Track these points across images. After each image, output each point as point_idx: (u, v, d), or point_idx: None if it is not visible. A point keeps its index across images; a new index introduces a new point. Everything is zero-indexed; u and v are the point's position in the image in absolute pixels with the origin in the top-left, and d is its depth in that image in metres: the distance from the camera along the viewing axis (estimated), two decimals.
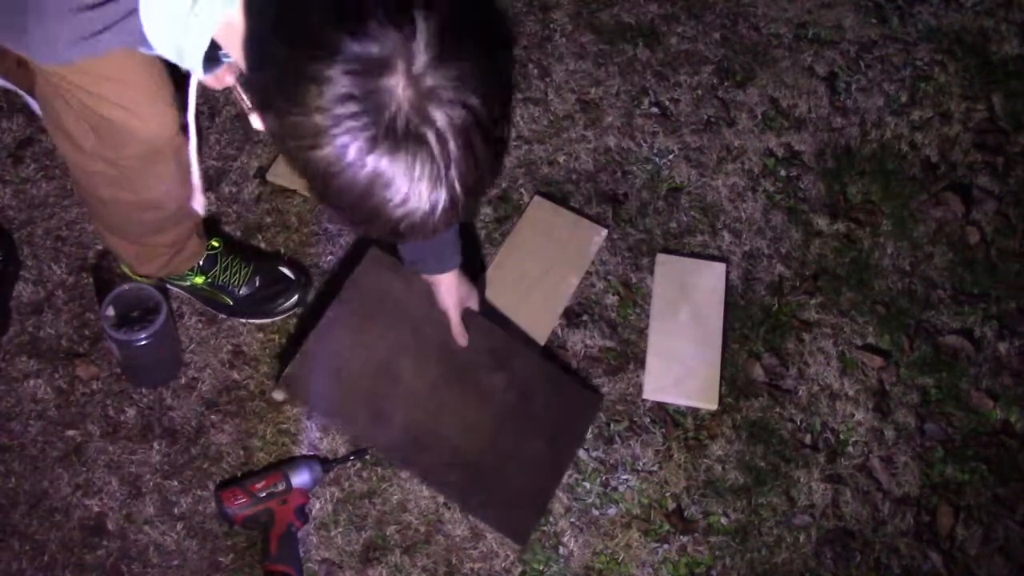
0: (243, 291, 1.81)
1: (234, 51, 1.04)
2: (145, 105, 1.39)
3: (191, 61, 1.09)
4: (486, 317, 1.80)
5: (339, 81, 0.84)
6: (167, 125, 1.42)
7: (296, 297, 1.84)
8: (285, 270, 1.85)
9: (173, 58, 1.13)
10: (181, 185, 1.45)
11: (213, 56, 1.12)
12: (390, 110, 0.85)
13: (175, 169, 1.47)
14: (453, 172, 0.89)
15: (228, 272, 1.80)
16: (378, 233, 0.95)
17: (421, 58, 0.85)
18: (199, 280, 1.79)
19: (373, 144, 0.86)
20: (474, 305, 1.77)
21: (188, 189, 1.41)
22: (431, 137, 0.87)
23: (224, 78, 1.30)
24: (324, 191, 0.91)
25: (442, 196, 0.90)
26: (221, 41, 1.07)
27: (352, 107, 0.85)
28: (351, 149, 0.86)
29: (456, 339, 1.74)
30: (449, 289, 1.71)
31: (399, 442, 1.66)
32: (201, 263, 1.78)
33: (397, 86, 0.85)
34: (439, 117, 0.87)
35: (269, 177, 1.98)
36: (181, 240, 1.72)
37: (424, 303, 1.74)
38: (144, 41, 1.09)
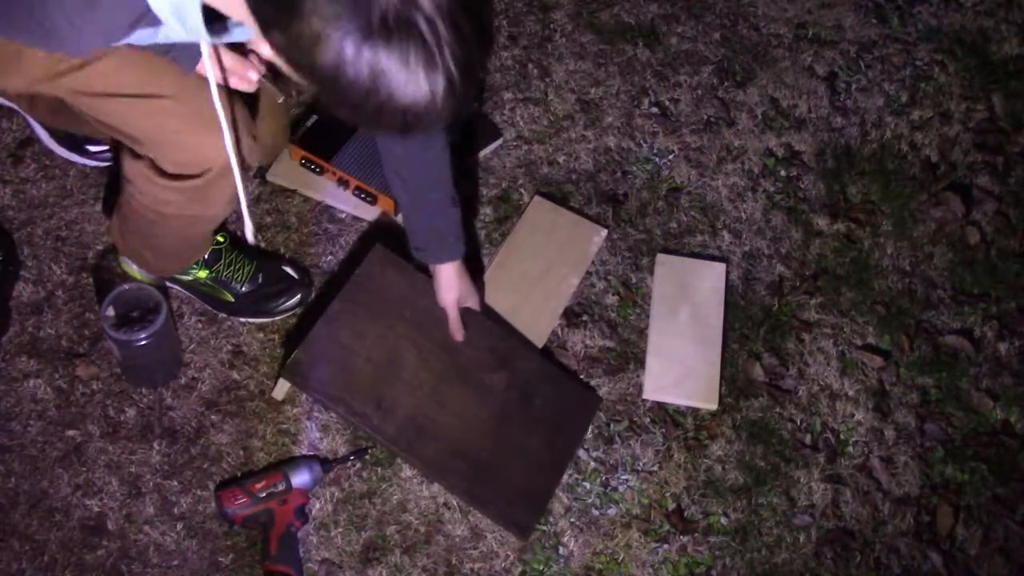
0: (245, 288, 1.81)
1: (232, 6, 1.08)
2: (202, 127, 1.41)
3: (193, 19, 1.10)
4: (486, 317, 1.81)
5: None
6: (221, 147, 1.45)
7: (298, 297, 1.84)
8: (288, 269, 1.85)
9: (175, 24, 1.14)
10: (234, 198, 1.52)
11: (219, 28, 1.16)
12: (377, 2, 0.91)
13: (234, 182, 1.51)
14: (447, 53, 0.95)
15: (232, 268, 1.80)
16: (391, 128, 1.01)
17: None
18: (202, 274, 1.79)
19: (367, 37, 0.92)
20: (475, 305, 1.77)
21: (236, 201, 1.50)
22: (420, 21, 0.93)
23: (249, 75, 1.36)
24: (335, 95, 0.97)
25: (440, 80, 0.96)
26: (217, 4, 1.10)
27: (342, 5, 0.91)
28: (348, 46, 0.92)
29: (452, 334, 1.74)
30: (450, 281, 1.72)
31: (402, 432, 1.66)
32: (206, 257, 1.78)
33: None
34: (424, 1, 0.93)
35: (269, 177, 1.98)
36: (207, 244, 1.76)
37: (427, 301, 1.74)
38: (147, 15, 1.12)
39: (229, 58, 1.37)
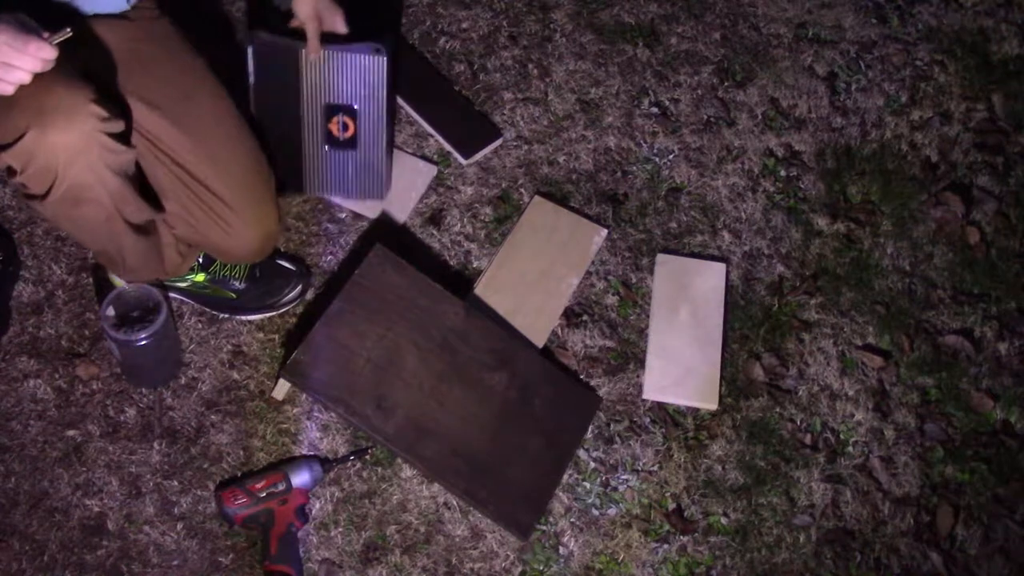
0: (244, 284, 1.81)
1: None
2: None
3: None
4: (486, 317, 1.81)
5: None
6: None
7: (299, 288, 1.84)
8: (284, 263, 1.85)
9: None
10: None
11: None
12: None
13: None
14: None
15: (228, 266, 1.80)
16: None
17: None
18: (200, 278, 1.79)
19: None
20: (338, 26, 1.75)
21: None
22: None
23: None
24: None
25: None
26: None
27: None
28: None
29: (310, 51, 1.73)
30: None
31: (402, 432, 1.66)
32: (200, 260, 1.78)
33: None
34: None
35: None
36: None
37: (427, 301, 1.75)
38: None
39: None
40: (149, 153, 1.56)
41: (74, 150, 1.32)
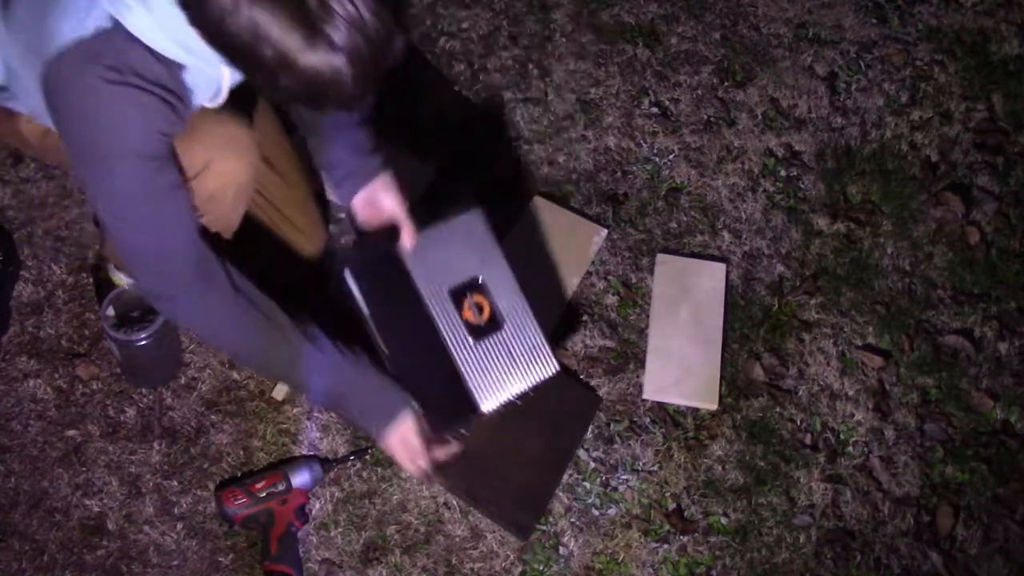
0: None
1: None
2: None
3: (209, 54, 1.12)
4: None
5: None
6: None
7: None
8: None
9: (189, 59, 1.18)
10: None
11: None
12: None
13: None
14: (331, 15, 1.00)
15: None
16: (299, 96, 1.07)
17: None
18: None
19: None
20: (398, 208, 1.56)
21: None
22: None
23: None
24: (229, 54, 1.06)
25: (323, 42, 1.02)
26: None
27: None
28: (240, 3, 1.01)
29: (407, 243, 1.54)
30: (391, 187, 1.58)
31: None
32: None
33: None
34: None
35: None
36: None
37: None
38: (155, 61, 1.17)
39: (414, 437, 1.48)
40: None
41: (240, 180, 1.43)
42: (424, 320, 1.54)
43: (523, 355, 1.60)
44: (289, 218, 1.70)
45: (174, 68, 1.21)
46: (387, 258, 1.54)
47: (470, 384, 1.55)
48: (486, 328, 1.57)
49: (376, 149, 1.55)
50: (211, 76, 1.27)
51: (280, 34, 1.01)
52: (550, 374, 1.62)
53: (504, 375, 1.58)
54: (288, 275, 1.75)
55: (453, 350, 1.55)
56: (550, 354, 1.62)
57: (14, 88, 1.36)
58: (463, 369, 1.55)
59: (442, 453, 1.53)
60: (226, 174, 1.39)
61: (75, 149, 1.22)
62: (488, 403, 1.56)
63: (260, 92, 1.13)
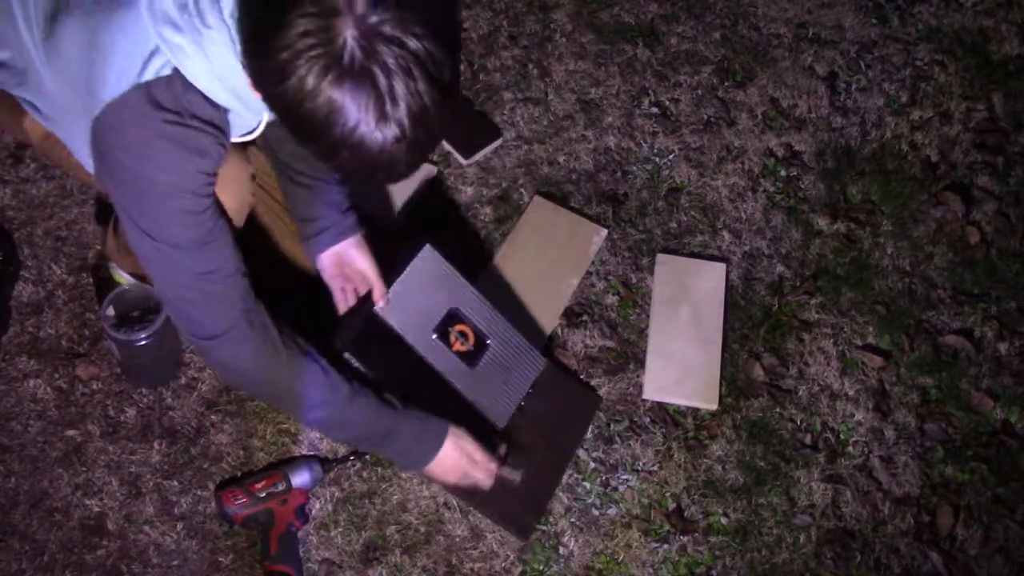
0: None
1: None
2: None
3: (247, 93, 1.16)
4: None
5: (297, 24, 1.02)
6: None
7: None
8: None
9: (239, 107, 1.23)
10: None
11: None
12: (339, 44, 1.02)
13: None
14: (401, 105, 1.05)
15: None
16: (350, 168, 1.10)
17: (363, 2, 1.02)
18: None
19: (326, 73, 1.02)
20: (369, 269, 1.63)
21: None
22: (376, 70, 1.02)
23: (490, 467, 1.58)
24: (296, 125, 1.08)
25: (391, 129, 1.05)
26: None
27: (309, 41, 1.02)
28: (309, 79, 1.03)
29: (378, 302, 1.61)
30: (366, 250, 1.64)
31: None
32: None
33: (346, 25, 1.01)
34: (385, 52, 1.02)
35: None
36: None
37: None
38: (206, 108, 1.21)
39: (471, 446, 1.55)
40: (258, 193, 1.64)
41: (232, 212, 1.44)
42: (421, 365, 1.63)
43: (513, 361, 1.71)
44: (290, 248, 1.71)
45: (222, 110, 1.24)
46: (373, 323, 1.61)
47: (481, 409, 1.65)
48: (476, 351, 1.68)
49: (351, 208, 1.62)
50: (250, 119, 1.30)
51: (355, 117, 1.05)
52: (540, 369, 1.74)
53: (505, 387, 1.70)
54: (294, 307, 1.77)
55: (456, 384, 1.65)
56: (533, 350, 1.74)
57: (47, 111, 1.37)
58: (471, 398, 1.66)
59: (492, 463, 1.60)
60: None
61: (128, 187, 1.24)
62: (503, 419, 1.69)
63: (312, 156, 1.16)
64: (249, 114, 1.26)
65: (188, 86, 1.19)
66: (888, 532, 1.75)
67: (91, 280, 1.86)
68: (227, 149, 1.28)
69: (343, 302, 1.64)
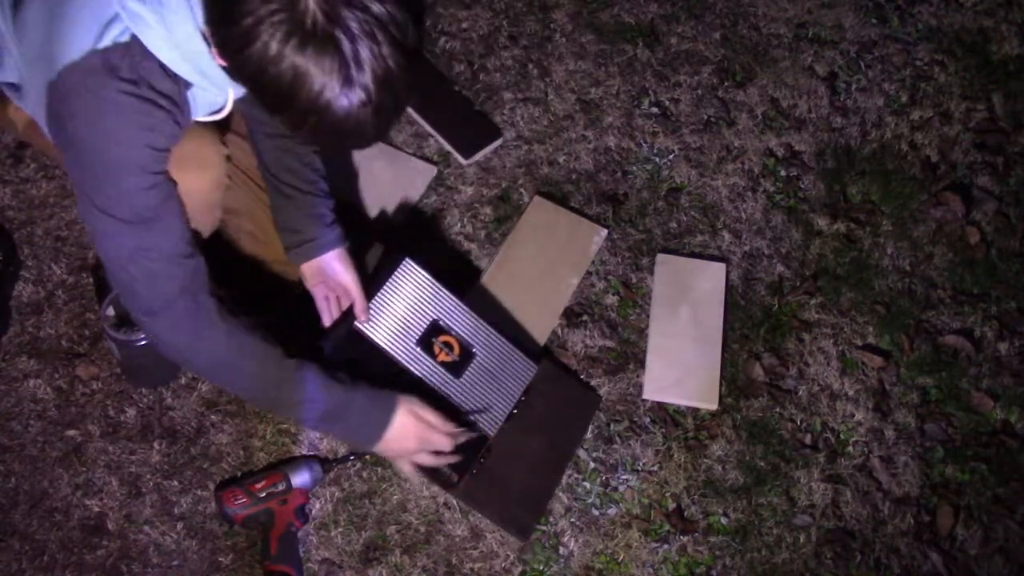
0: None
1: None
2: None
3: (211, 69, 1.16)
4: (486, 317, 1.80)
5: None
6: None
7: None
8: None
9: (197, 78, 1.22)
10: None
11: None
12: (302, 9, 1.03)
13: None
14: (366, 70, 1.06)
15: None
16: (317, 137, 1.13)
17: None
18: None
19: (289, 38, 1.04)
20: (351, 282, 1.63)
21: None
22: (340, 35, 1.04)
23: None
24: (262, 93, 1.09)
25: (357, 93, 1.06)
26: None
27: (272, 6, 1.03)
28: (272, 44, 1.04)
29: (360, 316, 1.62)
30: (349, 262, 1.64)
31: None
32: None
33: None
34: (348, 16, 1.04)
35: None
36: None
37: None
38: (164, 77, 1.21)
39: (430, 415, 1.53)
40: (238, 178, 1.63)
41: (199, 195, 1.43)
42: (407, 378, 1.63)
43: (502, 369, 1.71)
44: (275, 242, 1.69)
45: (181, 84, 1.23)
46: (353, 338, 1.62)
47: (470, 417, 1.66)
48: (461, 361, 1.68)
49: (335, 221, 1.62)
50: (215, 96, 1.29)
51: (320, 81, 1.06)
52: (532, 375, 1.73)
53: (494, 395, 1.69)
54: (276, 299, 1.77)
55: (443, 393, 1.65)
56: (524, 357, 1.73)
57: (25, 87, 1.37)
58: (459, 407, 1.66)
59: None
60: (186, 193, 1.37)
61: (79, 155, 1.24)
62: (493, 427, 1.68)
63: (281, 126, 1.16)
64: (213, 89, 1.25)
65: (146, 55, 1.18)
66: (888, 532, 1.75)
67: (91, 280, 1.86)
68: (182, 127, 1.27)
69: (326, 311, 1.65)
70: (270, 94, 1.09)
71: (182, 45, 1.18)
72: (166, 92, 1.21)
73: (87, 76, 1.17)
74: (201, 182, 1.42)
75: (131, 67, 1.18)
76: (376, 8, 1.05)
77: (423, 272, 1.68)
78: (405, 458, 1.55)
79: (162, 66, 1.19)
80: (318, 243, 1.61)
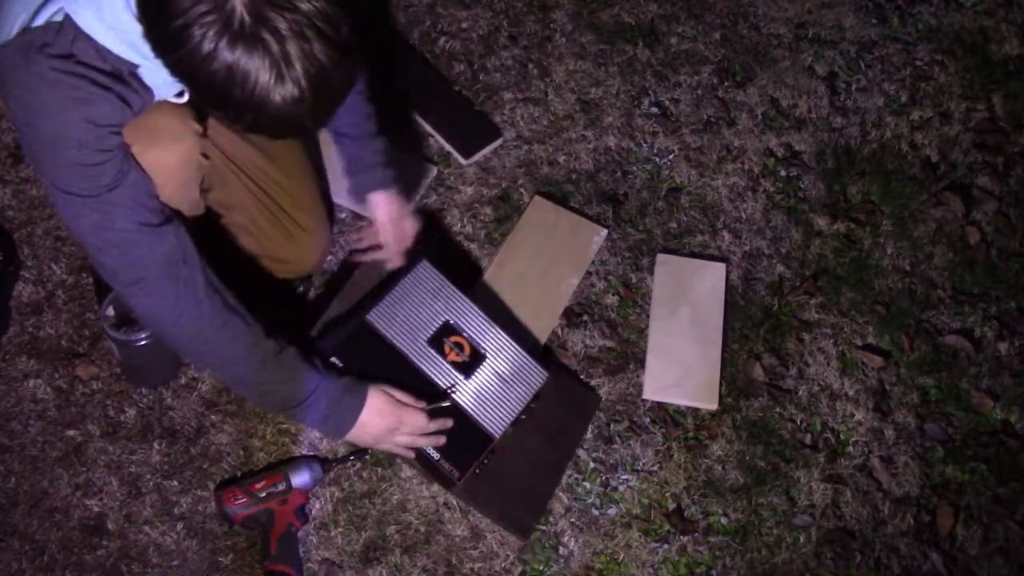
0: None
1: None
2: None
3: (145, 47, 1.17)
4: (486, 316, 1.80)
5: None
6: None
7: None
8: None
9: (137, 58, 1.23)
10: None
11: None
12: (229, 9, 1.06)
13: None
14: (296, 67, 1.09)
15: None
16: (257, 130, 1.15)
17: None
18: None
19: (220, 38, 1.07)
20: (409, 229, 1.73)
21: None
22: (267, 36, 1.07)
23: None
24: (200, 91, 1.13)
25: (289, 90, 1.09)
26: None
27: (201, 8, 1.06)
28: (204, 44, 1.07)
29: (393, 260, 1.71)
30: (387, 205, 1.70)
31: None
32: None
33: None
34: (274, 17, 1.06)
35: None
36: None
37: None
38: (96, 55, 1.22)
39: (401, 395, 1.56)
40: (230, 172, 1.63)
41: (166, 168, 1.42)
42: (415, 374, 1.63)
43: (512, 374, 1.70)
44: (292, 216, 1.71)
45: (128, 66, 1.24)
46: (360, 330, 1.63)
47: (476, 418, 1.65)
48: (471, 362, 1.67)
49: (387, 162, 1.68)
50: (169, 77, 1.28)
51: (252, 80, 1.08)
52: (542, 382, 1.71)
53: (502, 398, 1.68)
54: (282, 281, 1.77)
55: (449, 391, 1.65)
56: (535, 364, 1.72)
57: None
58: (465, 407, 1.65)
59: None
60: (154, 166, 1.37)
61: (21, 135, 1.27)
62: (497, 430, 1.66)
63: (220, 121, 1.18)
64: (163, 71, 1.24)
65: (81, 34, 1.20)
66: (888, 532, 1.75)
67: (91, 280, 1.86)
68: (136, 106, 1.27)
69: (357, 241, 1.77)
70: (206, 92, 1.12)
71: (116, 27, 1.20)
72: (106, 70, 1.22)
73: (18, 53, 1.20)
74: (169, 156, 1.41)
75: (63, 45, 1.20)
76: (304, 6, 1.07)
77: (439, 274, 1.70)
78: (387, 442, 1.56)
79: (102, 47, 1.21)
80: (370, 177, 1.68)
